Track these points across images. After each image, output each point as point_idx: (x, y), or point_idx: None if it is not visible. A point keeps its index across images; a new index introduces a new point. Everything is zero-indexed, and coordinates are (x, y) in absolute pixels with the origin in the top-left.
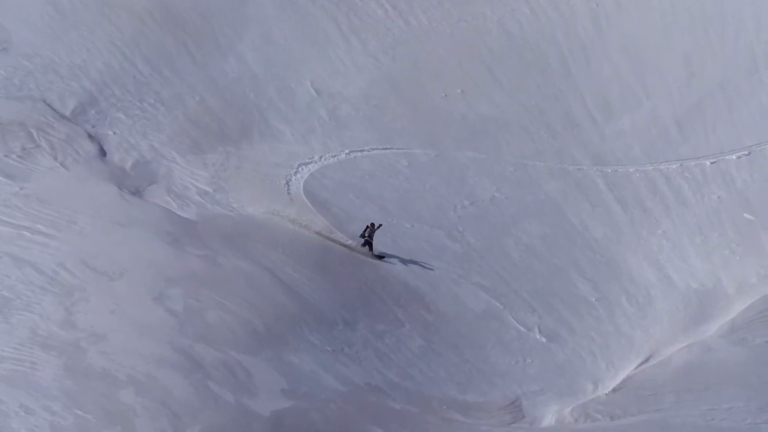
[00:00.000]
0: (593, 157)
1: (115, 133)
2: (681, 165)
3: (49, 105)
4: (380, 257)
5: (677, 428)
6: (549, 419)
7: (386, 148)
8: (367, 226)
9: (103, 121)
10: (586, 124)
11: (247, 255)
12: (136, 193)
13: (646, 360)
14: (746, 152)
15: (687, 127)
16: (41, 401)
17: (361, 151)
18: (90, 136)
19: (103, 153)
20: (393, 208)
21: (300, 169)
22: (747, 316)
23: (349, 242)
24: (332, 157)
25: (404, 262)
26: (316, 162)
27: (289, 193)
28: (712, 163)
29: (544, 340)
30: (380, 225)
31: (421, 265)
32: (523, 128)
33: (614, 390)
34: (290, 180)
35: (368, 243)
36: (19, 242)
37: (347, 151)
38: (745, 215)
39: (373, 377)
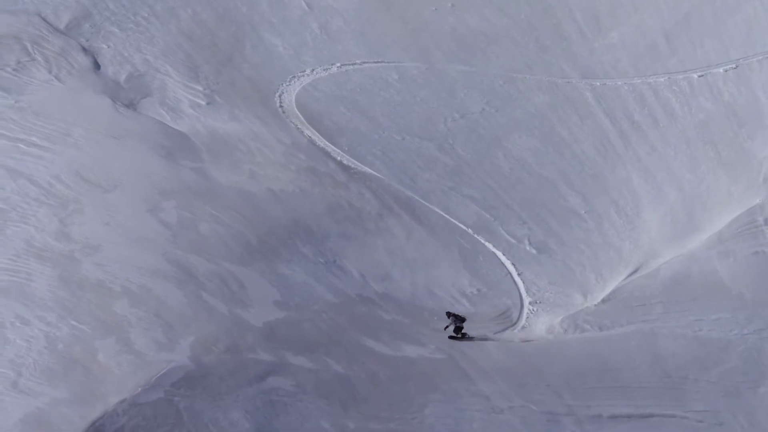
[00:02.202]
0: (582, 70)
1: (109, 47)
2: (669, 78)
3: (43, 18)
4: (470, 338)
5: (665, 339)
6: (539, 330)
7: (377, 62)
8: (453, 317)
9: (97, 34)
10: (575, 38)
11: (240, 168)
12: (130, 106)
13: (635, 271)
14: (733, 65)
15: (675, 41)
16: (36, 312)
17: (353, 64)
18: (84, 50)
19: (97, 66)
20: (384, 121)
21: (292, 82)
22: (734, 227)
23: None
24: (324, 70)
25: (395, 173)
26: (307, 75)
27: (281, 106)
28: (699, 76)
29: (533, 251)
30: (464, 320)
31: (411, 177)
32: (512, 42)
33: (603, 301)
34: (282, 93)
35: (459, 331)
36: (15, 155)
37: (339, 64)
38: None
39: (365, 289)
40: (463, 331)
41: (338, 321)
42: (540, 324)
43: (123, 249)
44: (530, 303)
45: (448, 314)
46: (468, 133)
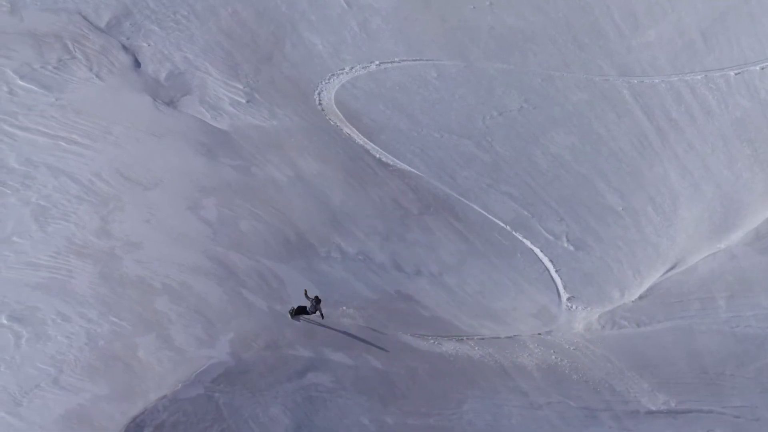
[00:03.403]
0: (620, 68)
1: (149, 45)
2: (706, 76)
3: (84, 17)
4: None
5: (702, 335)
6: (577, 326)
7: (416, 60)
8: (313, 299)
9: (138, 32)
10: (612, 36)
11: (280, 165)
12: (170, 104)
13: (672, 268)
14: None
15: (711, 39)
16: (77, 309)
17: (391, 62)
18: (124, 48)
19: (137, 64)
20: (422, 118)
21: (331, 80)
22: None
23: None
24: (363, 68)
25: (433, 171)
26: (347, 73)
27: (320, 104)
28: (736, 74)
29: (571, 248)
30: (316, 297)
31: (450, 175)
32: (550, 39)
33: (641, 297)
34: (321, 91)
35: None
36: (55, 152)
37: (377, 62)
38: None
39: (403, 285)
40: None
41: (377, 317)
42: (578, 320)
43: (163, 246)
44: (568, 299)
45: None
46: (506, 130)
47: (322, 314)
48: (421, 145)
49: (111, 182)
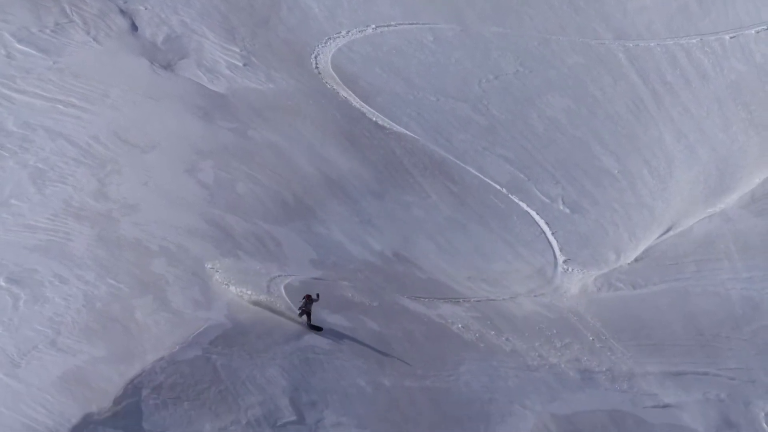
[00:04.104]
0: (615, 31)
1: (146, 9)
2: (701, 39)
3: None
4: (317, 329)
5: (698, 297)
6: (573, 288)
7: (412, 23)
8: (304, 298)
9: None
10: None
11: (277, 128)
12: (168, 67)
13: (668, 230)
14: (765, 27)
15: (707, 2)
16: (75, 271)
17: (388, 26)
18: (122, 11)
19: (134, 28)
20: (419, 82)
21: (328, 43)
22: (766, 187)
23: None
24: (359, 32)
25: (429, 134)
26: (343, 37)
27: (317, 67)
28: (731, 37)
29: (567, 211)
30: (317, 297)
31: (446, 138)
32: (546, 3)
33: (636, 260)
34: (318, 54)
35: (306, 313)
36: (53, 115)
37: (374, 26)
38: None
39: (400, 248)
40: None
41: (374, 279)
42: (573, 283)
43: (160, 209)
44: (564, 262)
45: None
46: (502, 94)
47: (304, 311)
48: (418, 109)
49: (108, 145)
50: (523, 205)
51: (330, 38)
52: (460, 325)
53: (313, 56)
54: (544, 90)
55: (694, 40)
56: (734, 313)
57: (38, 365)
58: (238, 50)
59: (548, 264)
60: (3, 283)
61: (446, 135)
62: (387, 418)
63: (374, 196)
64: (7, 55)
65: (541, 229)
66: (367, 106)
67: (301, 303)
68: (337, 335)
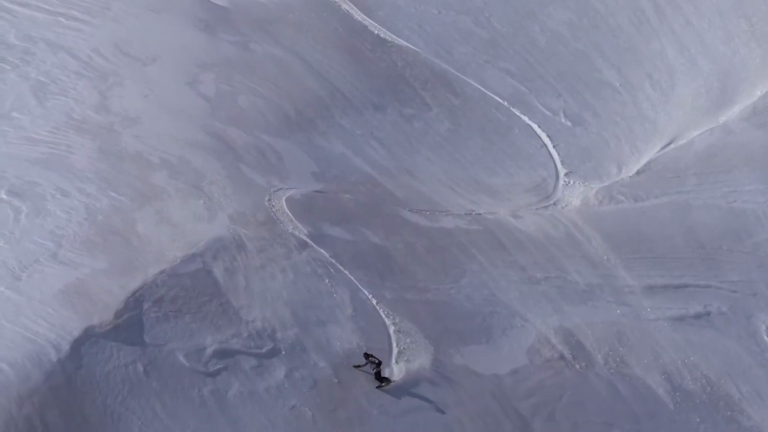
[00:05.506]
0: None
1: None
2: None
3: None
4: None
5: (699, 210)
6: (574, 201)
7: None
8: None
9: None
10: None
11: (279, 41)
12: None
13: (669, 143)
14: None
15: None
16: (76, 183)
17: None
18: None
19: None
20: None
21: None
22: None
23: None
24: None
25: (431, 47)
26: None
27: None
28: None
29: (569, 123)
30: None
31: (448, 51)
32: None
33: (638, 173)
34: None
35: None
36: (55, 28)
37: None
38: None
39: (402, 160)
40: (382, 375)
41: (375, 192)
42: (575, 195)
43: (162, 121)
44: (565, 174)
45: (366, 355)
46: (504, 6)
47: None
48: (419, 21)
49: (110, 58)
50: (525, 118)
51: None
52: (461, 239)
53: None
54: (545, 2)
55: None
56: (735, 227)
57: (39, 278)
58: None
59: (549, 177)
60: (4, 196)
61: (448, 48)
62: None
63: (376, 109)
64: None
65: (543, 142)
66: (369, 20)
67: (374, 368)
68: (338, 248)
